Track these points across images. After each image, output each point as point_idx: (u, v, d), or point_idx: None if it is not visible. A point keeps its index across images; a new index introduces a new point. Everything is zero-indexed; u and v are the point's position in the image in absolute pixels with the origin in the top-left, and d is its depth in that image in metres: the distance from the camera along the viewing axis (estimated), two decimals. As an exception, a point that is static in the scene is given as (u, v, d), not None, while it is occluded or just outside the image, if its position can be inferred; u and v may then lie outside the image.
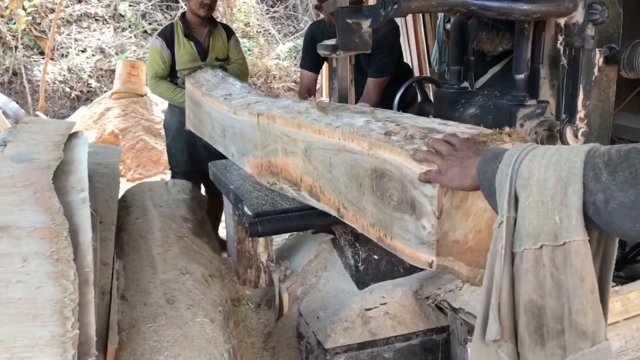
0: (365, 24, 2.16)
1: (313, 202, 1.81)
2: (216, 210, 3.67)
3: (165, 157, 6.02)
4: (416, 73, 5.58)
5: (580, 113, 2.11)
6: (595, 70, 2.07)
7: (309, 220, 1.93)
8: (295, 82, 10.76)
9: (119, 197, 2.70)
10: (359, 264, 2.21)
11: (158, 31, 3.59)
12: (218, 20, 3.72)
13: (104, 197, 2.50)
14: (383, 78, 3.10)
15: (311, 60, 3.31)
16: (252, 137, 2.15)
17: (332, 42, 2.25)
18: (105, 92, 8.41)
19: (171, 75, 3.48)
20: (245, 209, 1.96)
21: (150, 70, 3.45)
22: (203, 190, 3.63)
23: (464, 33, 2.55)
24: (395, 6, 1.95)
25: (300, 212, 1.93)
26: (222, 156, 2.61)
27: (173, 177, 3.57)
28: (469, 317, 2.01)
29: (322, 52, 2.31)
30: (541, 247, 0.90)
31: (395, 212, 1.36)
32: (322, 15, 3.27)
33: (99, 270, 1.77)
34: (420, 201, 1.26)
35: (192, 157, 3.50)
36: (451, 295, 2.10)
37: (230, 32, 3.67)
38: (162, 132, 6.02)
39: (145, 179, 5.87)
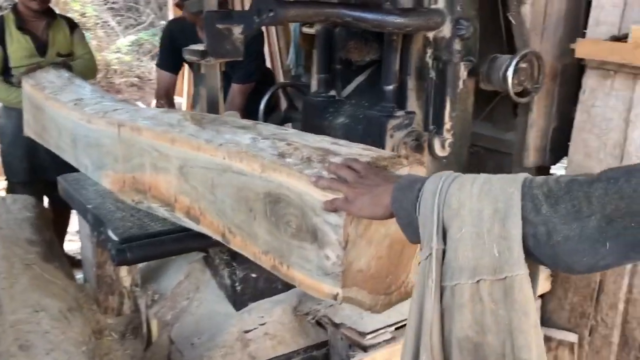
0: (237, 30, 2.04)
1: (191, 225, 1.65)
2: (62, 224, 3.38)
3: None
4: (270, 74, 5.54)
5: (447, 124, 2.19)
6: (461, 83, 2.16)
7: (185, 243, 1.77)
8: (139, 77, 10.19)
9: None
10: (236, 284, 2.09)
11: None
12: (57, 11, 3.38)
13: None
14: (248, 84, 3.02)
15: (170, 60, 3.14)
16: (112, 150, 1.94)
17: (200, 47, 2.10)
18: None
19: (4, 74, 3.11)
20: (110, 233, 1.76)
21: None
22: (46, 202, 3.25)
23: (331, 42, 2.53)
24: (272, 14, 1.85)
25: (175, 235, 1.77)
26: (68, 164, 2.31)
27: (10, 188, 3.21)
28: (351, 331, 1.99)
29: (188, 57, 2.14)
30: (478, 281, 0.86)
31: (293, 240, 1.28)
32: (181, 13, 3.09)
33: None
34: (324, 229, 1.18)
35: (33, 165, 3.16)
36: (331, 310, 2.07)
37: (73, 25, 3.37)
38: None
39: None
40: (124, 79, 9.97)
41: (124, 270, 2.18)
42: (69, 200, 2.19)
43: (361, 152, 1.31)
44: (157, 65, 3.29)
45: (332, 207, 1.14)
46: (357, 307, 1.26)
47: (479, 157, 2.77)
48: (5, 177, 3.30)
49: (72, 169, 2.42)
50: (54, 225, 2.86)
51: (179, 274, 2.29)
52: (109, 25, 10.48)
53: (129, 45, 10.34)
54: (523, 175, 0.89)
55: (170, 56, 3.08)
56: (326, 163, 1.23)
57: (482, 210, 0.87)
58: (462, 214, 0.89)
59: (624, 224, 0.76)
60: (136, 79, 10.08)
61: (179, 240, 1.76)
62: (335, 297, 1.21)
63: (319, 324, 2.13)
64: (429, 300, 0.91)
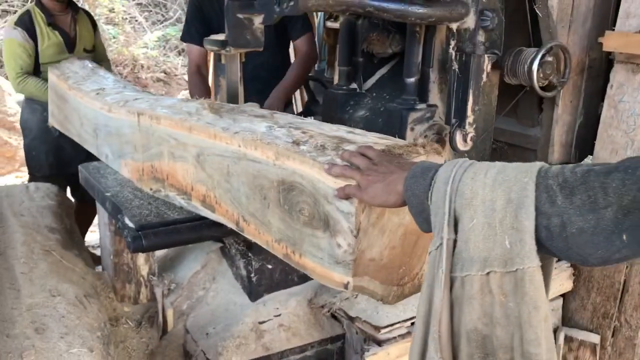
0: (257, 20, 2.03)
1: (206, 213, 1.67)
2: (87, 217, 3.36)
3: (21, 153, 5.48)
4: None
5: (470, 118, 2.14)
6: (484, 75, 2.12)
7: (200, 231, 1.76)
8: (165, 73, 10.28)
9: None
10: (252, 275, 2.08)
11: (14, 20, 3.06)
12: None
13: (-50, 206, 2.15)
14: (310, 32, 2.90)
15: (199, 33, 2.71)
16: (131, 139, 1.95)
17: (220, 37, 2.09)
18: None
19: (34, 70, 3.07)
20: (127, 220, 1.76)
21: (13, 66, 3.00)
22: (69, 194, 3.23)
23: (354, 34, 2.50)
24: (292, 3, 1.84)
25: (190, 223, 1.76)
26: (92, 156, 2.34)
27: (33, 182, 3.08)
28: (366, 325, 1.97)
29: (209, 47, 2.13)
30: (488, 273, 0.84)
31: (305, 228, 1.27)
32: None
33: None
34: (336, 217, 1.17)
35: (57, 160, 3.14)
36: (347, 304, 2.05)
37: (94, 22, 3.36)
38: (17, 125, 5.50)
39: (-3, 177, 5.29)
40: (151, 74, 10.06)
41: (141, 259, 2.18)
42: (89, 188, 2.20)
43: (377, 140, 1.29)
44: (183, 39, 2.89)
45: (344, 195, 1.12)
46: (369, 296, 1.24)
47: (502, 152, 2.72)
48: (29, 171, 3.27)
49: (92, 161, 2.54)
50: (77, 218, 2.89)
51: (195, 263, 2.30)
52: (136, 20, 10.58)
53: (156, 41, 10.42)
54: (539, 165, 0.86)
55: (199, 28, 2.76)
56: (340, 151, 1.21)
57: (494, 201, 0.85)
58: (474, 204, 0.87)
59: None
60: (162, 74, 10.17)
61: (195, 229, 1.75)
62: (345, 285, 1.19)
63: (334, 317, 2.11)
64: (438, 290, 0.89)
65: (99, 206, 2.22)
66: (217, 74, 2.35)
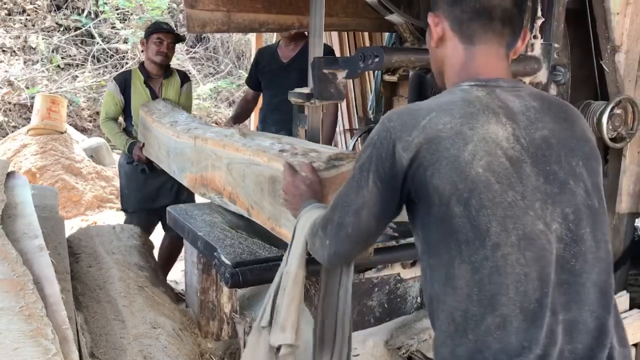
0: (341, 75, 2.19)
1: (230, 206, 2.20)
2: (173, 250, 3.65)
3: (86, 197, 5.78)
4: (345, 120, 5.74)
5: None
6: (555, 127, 2.21)
7: (292, 270, 1.87)
8: (217, 123, 10.66)
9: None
10: (331, 314, 2.17)
11: (114, 75, 4.01)
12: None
13: (52, 243, 2.32)
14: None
15: (253, 81, 3.84)
16: (190, 157, 2.55)
17: (305, 90, 2.25)
18: (14, 127, 7.92)
19: (126, 118, 3.66)
20: (223, 257, 1.89)
21: (103, 109, 3.65)
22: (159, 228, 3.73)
23: (422, 86, 2.65)
24: (377, 59, 1.99)
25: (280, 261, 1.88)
26: (173, 194, 3.29)
27: (127, 219, 3.60)
28: (444, 366, 2.01)
29: (294, 99, 2.29)
30: None
31: (281, 207, 1.75)
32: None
33: (74, 326, 1.62)
34: None
35: (146, 196, 3.58)
36: (425, 345, 2.11)
37: (185, 79, 3.80)
38: (84, 171, 5.82)
39: (65, 220, 5.52)
40: (202, 124, 10.39)
41: (224, 297, 2.30)
42: (178, 228, 2.35)
43: (331, 151, 1.81)
44: (246, 82, 3.99)
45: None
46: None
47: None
48: (122, 207, 3.78)
49: (175, 199, 3.46)
50: (166, 250, 3.61)
51: (275, 303, 2.39)
52: (190, 73, 11.05)
53: (209, 93, 10.84)
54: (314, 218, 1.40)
55: (254, 77, 3.79)
56: (308, 155, 1.75)
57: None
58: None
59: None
60: (214, 124, 10.53)
61: (287, 267, 1.86)
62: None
63: (410, 359, 2.17)
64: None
65: (187, 245, 2.36)
66: (296, 124, 2.51)
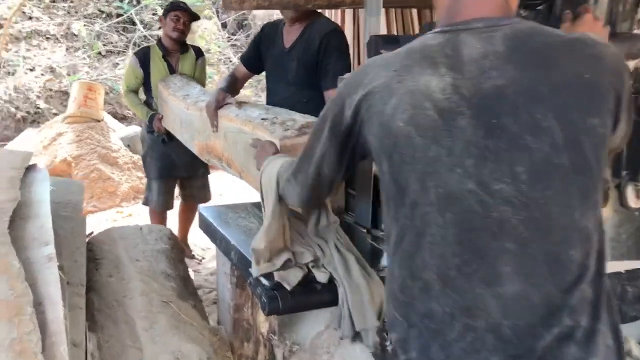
0: (403, 57, 1.84)
1: (228, 170, 2.42)
2: (189, 215, 4.00)
3: (122, 188, 5.57)
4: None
5: (644, 170, 1.84)
6: (662, 122, 1.81)
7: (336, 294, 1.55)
8: (257, 112, 10.42)
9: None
10: (386, 342, 1.84)
11: (135, 50, 4.22)
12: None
13: (69, 248, 2.05)
14: None
15: (250, 59, 3.06)
16: (197, 126, 2.80)
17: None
18: (54, 114, 7.80)
19: (146, 91, 3.87)
20: (262, 278, 1.57)
21: (124, 82, 3.91)
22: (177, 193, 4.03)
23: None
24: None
25: (329, 284, 1.55)
26: (192, 163, 3.47)
27: (148, 185, 3.90)
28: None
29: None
30: None
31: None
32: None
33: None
34: None
35: (165, 164, 3.79)
36: None
37: (199, 54, 4.00)
38: (120, 160, 5.62)
39: (99, 212, 5.34)
40: (243, 113, 10.18)
41: (261, 316, 1.99)
42: (210, 234, 2.06)
43: (306, 119, 2.03)
44: (241, 57, 3.28)
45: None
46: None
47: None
48: (145, 175, 3.99)
49: (194, 169, 3.76)
50: (181, 217, 4.03)
51: (318, 324, 2.07)
52: (231, 61, 10.82)
53: (249, 81, 10.60)
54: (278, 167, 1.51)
55: (253, 56, 3.03)
56: (285, 124, 1.98)
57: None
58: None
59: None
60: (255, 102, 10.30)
61: (332, 292, 1.54)
62: None
63: None
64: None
65: (219, 253, 2.06)
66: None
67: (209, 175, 3.96)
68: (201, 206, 2.47)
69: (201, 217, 2.16)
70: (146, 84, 3.80)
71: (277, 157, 1.60)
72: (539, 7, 2.09)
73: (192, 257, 4.04)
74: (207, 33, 10.62)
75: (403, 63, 1.08)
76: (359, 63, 4.91)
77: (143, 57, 3.77)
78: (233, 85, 2.99)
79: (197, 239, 4.11)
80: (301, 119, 2.04)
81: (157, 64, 3.76)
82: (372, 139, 1.10)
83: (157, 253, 2.28)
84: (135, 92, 3.88)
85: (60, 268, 1.77)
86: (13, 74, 8.45)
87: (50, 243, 1.78)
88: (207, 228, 2.08)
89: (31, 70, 8.77)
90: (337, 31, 2.79)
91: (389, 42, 1.83)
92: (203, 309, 2.18)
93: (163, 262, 2.23)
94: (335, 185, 1.33)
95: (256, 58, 3.00)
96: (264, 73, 3.09)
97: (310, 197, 1.35)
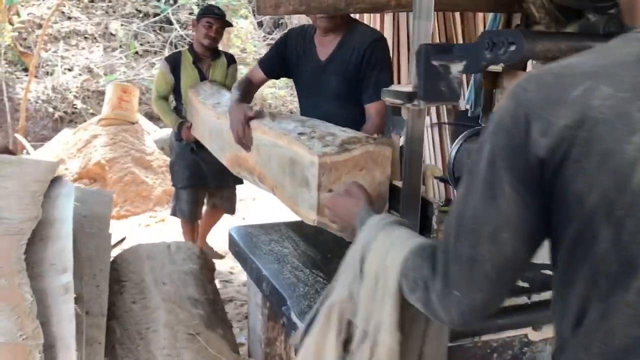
0: (456, 68, 1.64)
1: (260, 185, 2.25)
2: (212, 221, 4.02)
3: (156, 192, 5.49)
4: (432, 113, 5.07)
5: None
6: None
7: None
8: (292, 112, 10.29)
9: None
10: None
11: (166, 56, 4.12)
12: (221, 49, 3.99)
13: (91, 270, 1.92)
14: (382, 100, 2.47)
15: (271, 66, 2.81)
16: (227, 137, 2.58)
17: (406, 87, 1.72)
18: (91, 114, 7.81)
19: (176, 97, 3.79)
20: (295, 317, 1.40)
21: (155, 88, 3.82)
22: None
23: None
24: (513, 48, 1.44)
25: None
26: (222, 173, 3.11)
27: (176, 194, 3.85)
28: None
29: (389, 99, 1.76)
30: None
31: (299, 188, 1.77)
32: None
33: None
34: (309, 179, 1.66)
35: (193, 173, 3.73)
36: None
37: (231, 61, 3.90)
38: (154, 164, 5.54)
39: (132, 216, 5.27)
40: (278, 113, 10.09)
41: (295, 351, 1.82)
42: (240, 258, 1.90)
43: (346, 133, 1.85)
44: (259, 61, 2.95)
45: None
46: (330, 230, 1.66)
47: None
48: (172, 184, 3.91)
49: (224, 180, 3.65)
50: (206, 221, 4.01)
51: None
52: (267, 61, 10.73)
53: (285, 81, 10.48)
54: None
55: (276, 63, 2.78)
56: (325, 139, 1.79)
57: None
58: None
59: None
60: (289, 113, 10.17)
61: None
62: (313, 221, 1.69)
63: None
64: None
65: (250, 282, 1.90)
66: (389, 129, 1.98)
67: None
68: (231, 227, 2.24)
69: (231, 239, 2.01)
70: (176, 90, 3.72)
71: (390, 223, 1.16)
72: (610, 11, 1.87)
73: (216, 256, 3.95)
74: (242, 32, 10.53)
75: (638, 79, 0.75)
76: (398, 73, 4.68)
77: (174, 62, 3.70)
78: (249, 93, 2.78)
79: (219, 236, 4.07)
80: (341, 133, 1.87)
81: (188, 70, 3.68)
82: (583, 189, 0.77)
83: (184, 275, 2.13)
84: (166, 98, 3.81)
85: (80, 296, 1.64)
86: (51, 74, 8.50)
87: (69, 270, 1.64)
88: (237, 252, 1.92)
89: (69, 70, 8.82)
90: (380, 40, 2.59)
91: (442, 51, 1.64)
92: (233, 337, 2.03)
93: (191, 286, 2.08)
94: (518, 276, 0.95)
95: (279, 64, 2.77)
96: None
97: (479, 305, 0.90)
